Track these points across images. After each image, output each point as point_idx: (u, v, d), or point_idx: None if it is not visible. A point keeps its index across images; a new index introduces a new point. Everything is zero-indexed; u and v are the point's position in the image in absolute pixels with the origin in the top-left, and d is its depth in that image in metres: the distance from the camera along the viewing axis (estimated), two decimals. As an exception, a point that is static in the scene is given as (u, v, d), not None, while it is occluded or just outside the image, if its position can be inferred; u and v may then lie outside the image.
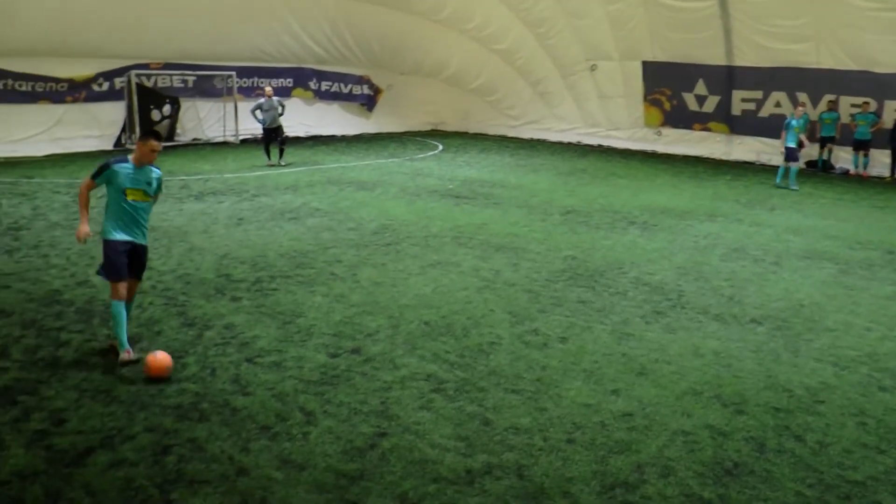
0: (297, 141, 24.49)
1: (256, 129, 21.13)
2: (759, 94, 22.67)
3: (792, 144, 17.99)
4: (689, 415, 5.87)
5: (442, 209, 13.94)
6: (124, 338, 6.49)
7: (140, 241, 6.70)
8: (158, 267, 9.59)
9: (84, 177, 6.86)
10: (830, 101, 20.90)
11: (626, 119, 25.82)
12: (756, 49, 21.91)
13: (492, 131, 29.52)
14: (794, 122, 18.02)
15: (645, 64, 24.52)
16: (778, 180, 18.37)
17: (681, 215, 14.11)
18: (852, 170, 20.98)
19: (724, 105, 23.46)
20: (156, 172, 6.80)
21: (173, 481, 4.75)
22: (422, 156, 22.31)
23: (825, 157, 21.55)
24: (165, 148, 21.27)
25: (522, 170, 19.89)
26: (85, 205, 6.61)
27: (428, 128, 30.69)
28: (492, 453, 5.18)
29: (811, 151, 21.39)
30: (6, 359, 6.66)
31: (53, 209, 13.02)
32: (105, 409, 5.70)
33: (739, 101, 23.17)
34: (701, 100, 23.96)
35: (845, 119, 20.84)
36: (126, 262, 6.56)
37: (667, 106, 24.72)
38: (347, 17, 25.70)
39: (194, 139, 23.56)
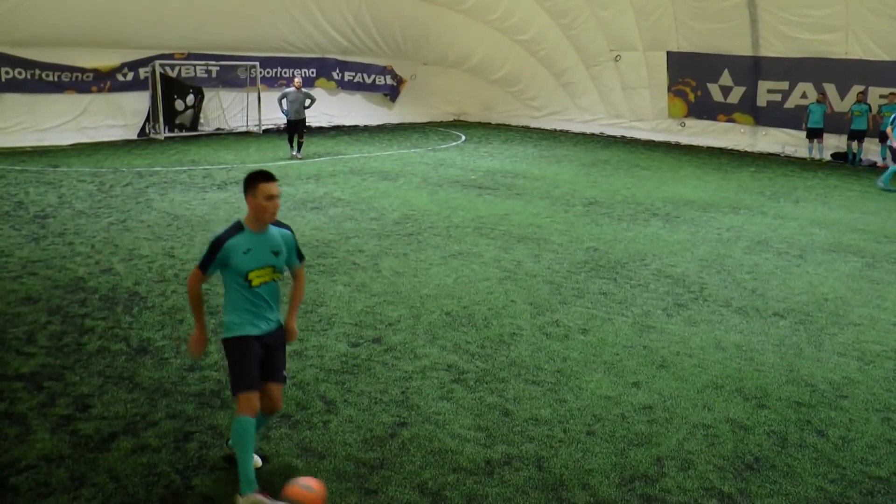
0: (320, 131, 24.58)
1: (279, 119, 21.22)
2: (785, 85, 22.44)
3: None
4: (710, 408, 5.83)
5: (464, 200, 13.93)
6: (251, 472, 4.44)
7: (274, 325, 4.71)
8: (181, 255, 9.69)
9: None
10: (860, 93, 20.61)
11: (650, 110, 25.64)
12: (783, 39, 21.67)
13: (514, 122, 29.44)
14: None
15: (669, 54, 24.31)
16: (887, 183, 16.96)
17: (704, 207, 14.00)
18: (880, 162, 20.68)
19: (750, 96, 23.22)
20: (285, 234, 4.71)
21: (195, 467, 4.81)
22: (444, 146, 22.30)
23: (854, 150, 21.25)
24: (188, 138, 21.89)
25: (545, 161, 19.82)
26: (199, 306, 4.72)
27: (450, 118, 30.66)
28: (511, 444, 5.19)
29: (837, 143, 21.18)
30: (33, 345, 6.76)
31: (79, 197, 13.16)
32: (128, 396, 5.78)
33: (765, 91, 22.93)
34: (726, 90, 23.73)
35: (874, 111, 20.55)
36: (259, 364, 4.60)
37: (691, 97, 24.52)
38: (371, 7, 25.73)
39: (217, 129, 23.69)
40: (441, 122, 29.70)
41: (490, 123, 29.72)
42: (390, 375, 6.27)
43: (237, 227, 4.56)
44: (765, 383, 6.33)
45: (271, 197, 4.47)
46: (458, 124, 29.15)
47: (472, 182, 15.99)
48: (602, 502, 4.56)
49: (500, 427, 5.43)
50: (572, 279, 9.16)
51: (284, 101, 18.66)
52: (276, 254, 4.61)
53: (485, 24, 27.33)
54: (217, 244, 4.50)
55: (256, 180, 4.51)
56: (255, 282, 4.55)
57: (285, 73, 24.93)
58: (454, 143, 23.09)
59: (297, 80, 19.47)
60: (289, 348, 6.73)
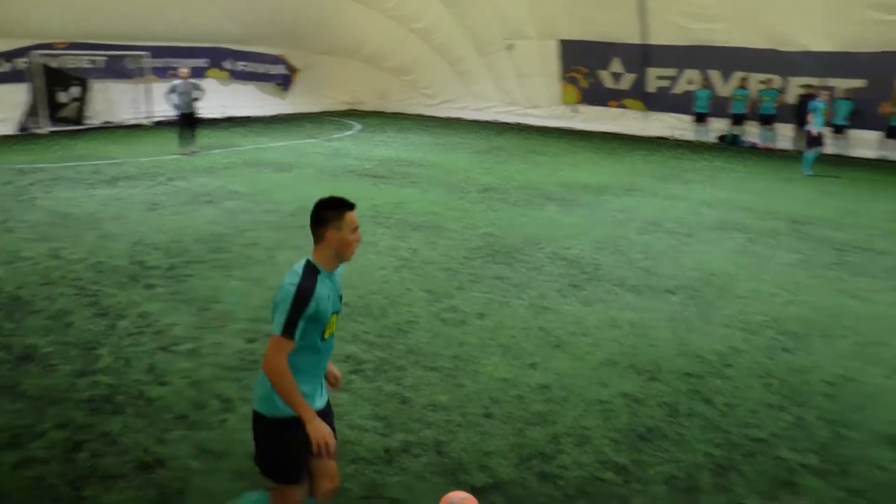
0: (214, 122, 23.91)
1: (171, 111, 20.52)
2: (673, 72, 23.24)
3: (820, 128, 17.30)
4: (605, 384, 5.99)
5: (360, 189, 13.83)
6: None
7: (326, 395, 3.81)
8: (68, 256, 9.24)
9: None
10: (742, 79, 21.59)
11: (544, 97, 26.10)
12: (671, 28, 22.41)
13: (409, 110, 29.43)
14: (821, 105, 17.29)
15: (562, 42, 24.80)
16: (809, 169, 17.37)
17: (598, 191, 14.34)
18: (760, 144, 21.72)
19: (640, 82, 23.94)
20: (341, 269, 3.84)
21: (86, 477, 4.60)
22: (339, 136, 22.08)
23: (735, 133, 22.25)
24: (74, 132, 20.92)
25: (440, 148, 19.89)
26: (296, 387, 3.42)
27: (345, 108, 30.38)
28: (410, 431, 5.19)
29: (722, 126, 22.21)
30: None
31: (-48, 198, 12.40)
32: (11, 407, 5.47)
33: (654, 78, 23.68)
34: (617, 77, 24.39)
35: (754, 96, 21.59)
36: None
37: (584, 83, 25.09)
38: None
39: (105, 122, 22.72)
40: (335, 111, 29.39)
41: (385, 112, 29.61)
42: (288, 368, 6.16)
43: (314, 270, 3.51)
44: (657, 357, 6.55)
45: (356, 228, 3.64)
46: (353, 113, 28.91)
47: (367, 171, 15.89)
48: (501, 483, 4.61)
49: (398, 415, 5.42)
50: (468, 265, 9.22)
51: (174, 95, 17.84)
52: (341, 296, 3.80)
53: (380, 12, 27.15)
54: (305, 297, 3.40)
55: (342, 208, 3.59)
56: (326, 334, 3.61)
57: (177, 63, 24.09)
58: (349, 133, 22.89)
59: (184, 70, 18.61)
60: (182, 347, 6.59)
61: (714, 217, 12.30)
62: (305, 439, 3.43)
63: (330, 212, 3.57)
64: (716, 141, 22.59)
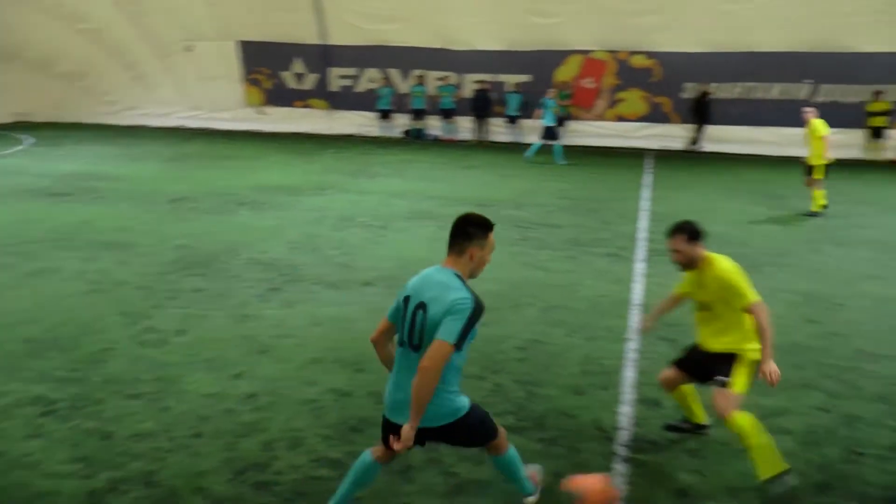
0: None
1: None
2: (354, 72, 23.90)
3: (551, 123, 18.61)
4: (313, 383, 6.02)
5: (38, 210, 12.49)
6: (526, 479, 4.41)
7: None
8: None
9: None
10: (419, 76, 22.78)
11: (229, 100, 25.41)
12: (349, 29, 22.99)
13: (89, 120, 26.94)
14: (551, 103, 18.66)
15: (242, 43, 24.37)
16: (530, 154, 18.72)
17: (291, 191, 14.32)
18: (443, 136, 23.12)
19: (323, 82, 24.30)
20: None
21: None
22: (8, 152, 19.73)
23: (419, 127, 23.43)
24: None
25: (125, 159, 18.57)
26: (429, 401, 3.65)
27: (11, 119, 27.15)
28: (116, 467, 4.81)
29: (405, 122, 23.31)
30: None
31: None
32: None
33: (337, 77, 24.17)
34: (300, 77, 24.52)
35: (432, 92, 22.92)
36: None
37: (267, 85, 24.89)
38: None
39: None
40: (1, 124, 26.25)
41: (61, 123, 26.89)
42: (-41, 423, 5.42)
43: (463, 278, 3.79)
44: (362, 349, 6.64)
45: (492, 250, 3.89)
46: (22, 126, 25.96)
47: (45, 189, 14.37)
48: (218, 501, 4.46)
49: (101, 452, 5.00)
50: (164, 281, 8.75)
51: None
52: None
53: (40, 11, 24.65)
54: (481, 311, 3.66)
55: (487, 229, 3.81)
56: (464, 347, 3.75)
57: None
58: (19, 148, 20.51)
59: None
60: None
61: (405, 207, 12.85)
62: (483, 411, 4.06)
63: (477, 230, 3.79)
64: (401, 136, 23.60)
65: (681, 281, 5.11)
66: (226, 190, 14.45)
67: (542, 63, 21.95)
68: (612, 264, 9.70)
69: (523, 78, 22.18)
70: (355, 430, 5.25)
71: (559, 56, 21.87)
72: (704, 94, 20.72)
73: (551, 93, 19.44)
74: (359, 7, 22.54)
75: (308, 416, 5.47)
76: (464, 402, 3.89)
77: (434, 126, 23.39)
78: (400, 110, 23.36)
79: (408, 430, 3.58)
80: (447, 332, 3.54)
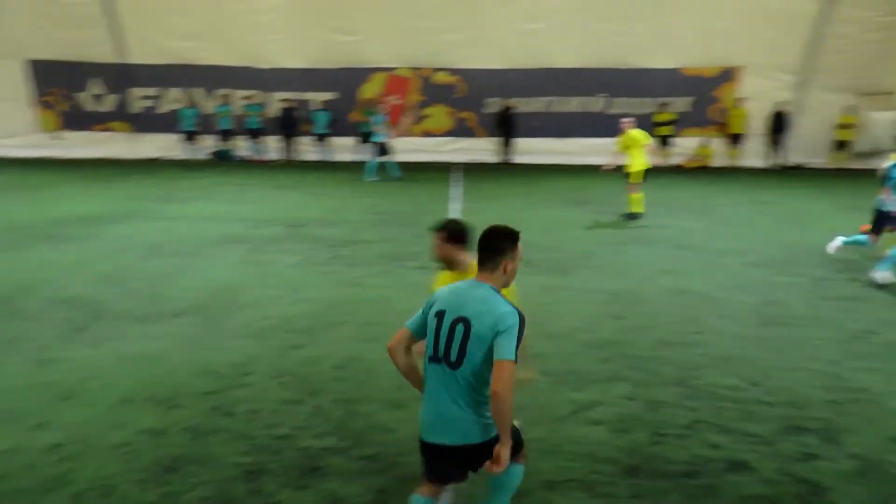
0: None
1: None
2: (156, 91, 22.99)
3: (383, 139, 19.01)
4: (122, 425, 5.76)
5: None
6: None
7: None
8: None
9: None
10: (224, 96, 22.27)
11: (17, 125, 23.65)
12: (150, 46, 22.11)
13: None
14: (380, 118, 18.89)
15: (31, 62, 22.75)
16: (369, 175, 19.05)
17: (93, 221, 13.55)
18: (252, 156, 22.75)
19: (123, 104, 23.21)
20: None
21: None
22: None
23: (226, 148, 22.91)
24: None
25: None
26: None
27: None
28: None
29: (212, 143, 22.70)
30: None
31: None
32: None
33: (138, 98, 23.16)
34: (98, 99, 23.28)
35: (238, 111, 22.50)
36: None
37: (63, 107, 23.42)
38: None
39: None
40: None
41: None
42: None
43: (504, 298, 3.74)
44: (175, 384, 6.51)
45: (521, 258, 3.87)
46: None
47: None
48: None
49: None
50: (-51, 328, 8.05)
51: None
52: None
53: None
54: (524, 321, 3.65)
55: (516, 239, 3.80)
56: None
57: None
58: None
59: None
60: None
61: (215, 232, 12.55)
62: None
63: (508, 243, 3.76)
64: (209, 157, 22.98)
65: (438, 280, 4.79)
66: (19, 224, 13.42)
67: (347, 80, 22.26)
68: (426, 276, 9.95)
69: (329, 95, 22.32)
70: (170, 470, 5.10)
71: (364, 73, 22.25)
72: (507, 109, 21.80)
73: (383, 108, 19.73)
74: (159, 24, 21.78)
75: (119, 461, 5.24)
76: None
77: (242, 146, 23.04)
78: (206, 131, 22.78)
79: (502, 450, 3.58)
80: (506, 351, 3.55)
